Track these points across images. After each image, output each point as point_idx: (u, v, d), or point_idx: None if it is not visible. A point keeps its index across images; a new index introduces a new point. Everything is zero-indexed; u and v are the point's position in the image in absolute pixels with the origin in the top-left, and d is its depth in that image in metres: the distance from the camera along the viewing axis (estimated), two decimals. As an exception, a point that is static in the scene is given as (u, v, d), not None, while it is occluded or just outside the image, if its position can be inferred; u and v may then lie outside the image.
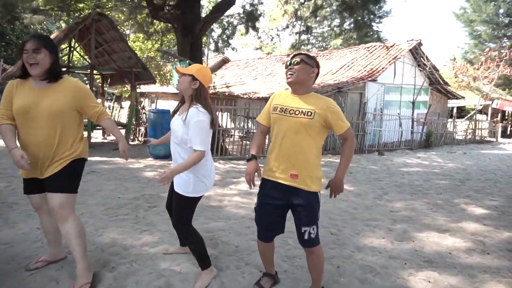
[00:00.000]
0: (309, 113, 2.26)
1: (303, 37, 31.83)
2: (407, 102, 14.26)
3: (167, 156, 8.32)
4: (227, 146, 9.26)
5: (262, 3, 10.50)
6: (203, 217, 4.30)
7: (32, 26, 15.15)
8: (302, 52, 2.48)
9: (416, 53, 14.28)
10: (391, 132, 13.13)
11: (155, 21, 11.06)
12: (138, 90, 18.34)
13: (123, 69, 10.00)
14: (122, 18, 10.85)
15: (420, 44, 14.03)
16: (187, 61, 8.14)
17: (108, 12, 10.03)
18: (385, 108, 13.31)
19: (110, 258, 3.15)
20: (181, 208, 2.61)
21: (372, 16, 9.89)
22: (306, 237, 2.31)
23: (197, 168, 2.48)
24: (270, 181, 2.37)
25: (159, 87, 16.25)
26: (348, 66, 14.71)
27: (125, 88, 16.31)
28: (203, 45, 8.51)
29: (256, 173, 2.38)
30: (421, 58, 14.29)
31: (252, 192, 5.48)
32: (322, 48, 31.67)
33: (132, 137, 10.92)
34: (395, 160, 10.02)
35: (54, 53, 2.41)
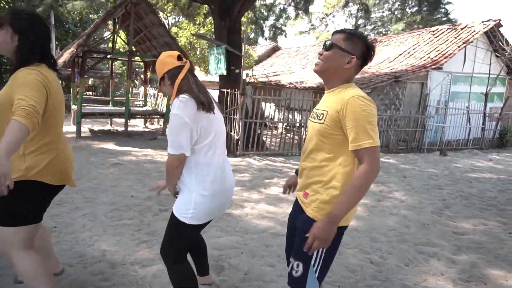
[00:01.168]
0: (321, 116, 1.67)
1: (360, 21, 29.83)
2: (478, 94, 12.38)
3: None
4: (266, 140, 8.51)
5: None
6: (215, 228, 3.63)
7: (74, 13, 15.43)
8: (346, 30, 1.74)
9: (493, 36, 12.27)
10: (456, 128, 11.47)
11: (196, 4, 10.56)
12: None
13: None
14: (162, 1, 10.45)
15: (498, 25, 12.01)
16: (224, 46, 7.47)
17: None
18: (450, 100, 11.63)
19: (89, 280, 2.60)
20: (172, 235, 1.98)
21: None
22: (288, 270, 1.77)
23: (191, 182, 1.86)
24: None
25: (204, 76, 15.87)
26: (408, 53, 13.11)
27: None
28: (242, 29, 7.72)
29: (289, 188, 2.14)
30: (499, 42, 12.27)
31: (283, 199, 4.71)
32: (381, 34, 29.43)
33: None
34: (461, 163, 8.59)
35: (23, 35, 1.82)
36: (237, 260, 3.00)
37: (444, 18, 24.78)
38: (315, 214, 1.64)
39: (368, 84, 10.18)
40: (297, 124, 8.50)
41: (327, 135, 1.60)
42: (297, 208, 1.82)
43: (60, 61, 8.20)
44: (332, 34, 1.68)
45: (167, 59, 1.90)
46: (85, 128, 10.26)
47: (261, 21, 31.25)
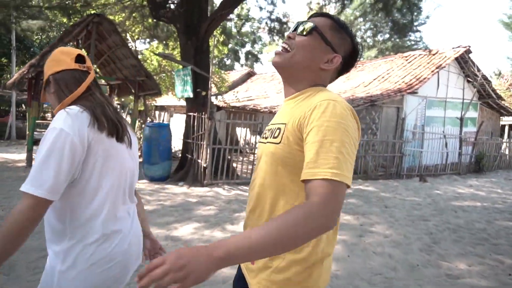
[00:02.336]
0: (277, 132, 1.07)
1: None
2: (453, 118, 12.33)
3: (164, 179, 7.08)
4: (237, 167, 7.89)
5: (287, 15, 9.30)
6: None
7: (39, 35, 14.74)
8: (332, 15, 1.15)
9: (464, 62, 12.40)
10: (434, 153, 11.25)
11: (164, 25, 10.10)
12: (159, 103, 17.59)
13: (126, 78, 9.00)
14: (127, 23, 9.93)
15: (468, 51, 12.15)
16: (190, 67, 6.95)
17: (113, 16, 9.15)
18: (426, 125, 11.48)
19: None
20: None
21: (414, 12, 8.32)
22: None
23: (61, 250, 1.18)
24: None
25: (177, 101, 15.29)
26: (382, 77, 13.05)
27: (152, 102, 15.33)
28: (210, 49, 7.25)
29: None
30: (470, 68, 12.39)
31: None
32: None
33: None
34: (442, 189, 8.21)
35: None
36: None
37: (415, 46, 25.54)
38: None
39: (344, 108, 9.85)
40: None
41: (287, 162, 1.01)
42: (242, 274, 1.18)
43: (9, 82, 7.43)
44: (312, 16, 1.15)
45: (61, 57, 1.30)
46: (40, 156, 9.34)
47: (238, 47, 31.41)
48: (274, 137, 1.05)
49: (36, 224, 1.06)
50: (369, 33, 30.36)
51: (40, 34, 17.68)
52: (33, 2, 8.93)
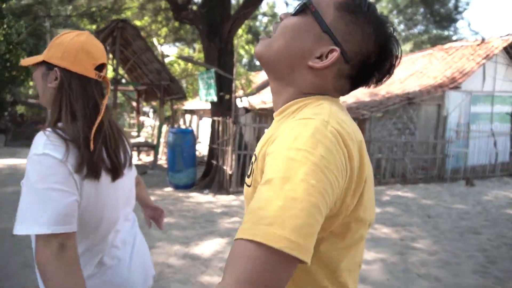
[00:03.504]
0: (249, 171, 0.74)
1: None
2: (502, 114, 11.27)
3: (189, 186, 6.86)
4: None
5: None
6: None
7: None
8: None
9: (513, 51, 11.32)
10: (481, 153, 10.31)
11: (188, 27, 9.93)
12: (188, 107, 17.58)
13: (152, 83, 8.91)
14: (153, 27, 9.86)
15: (518, 40, 11.07)
16: (213, 70, 6.67)
17: (138, 21, 9.11)
18: (471, 122, 10.55)
19: None
20: None
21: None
22: None
23: None
24: None
25: (204, 104, 15.19)
26: (421, 73, 12.20)
27: (181, 106, 15.23)
28: (234, 50, 6.95)
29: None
30: (521, 58, 11.29)
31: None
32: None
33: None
34: (493, 194, 7.41)
35: None
36: None
37: (454, 36, 24.01)
38: None
39: (379, 107, 9.24)
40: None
41: None
42: None
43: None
44: None
45: (81, 56, 1.02)
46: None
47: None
48: (248, 177, 0.73)
49: (63, 258, 0.89)
50: (402, 26, 29.03)
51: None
52: (62, 12, 9.04)
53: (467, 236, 4.53)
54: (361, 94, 11.61)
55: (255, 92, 13.85)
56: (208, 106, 15.38)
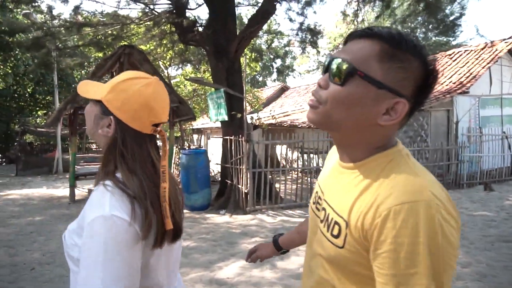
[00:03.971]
0: (336, 229, 0.74)
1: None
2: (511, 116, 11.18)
3: (205, 207, 6.78)
4: (280, 187, 7.43)
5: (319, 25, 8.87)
6: None
7: (71, 70, 15.35)
8: (380, 31, 0.68)
9: (518, 53, 11.28)
10: (496, 156, 10.15)
11: (195, 49, 10.02)
12: (195, 126, 17.62)
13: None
14: (158, 50, 9.96)
15: (522, 42, 11.04)
16: (223, 89, 6.68)
17: (143, 46, 9.21)
18: (482, 126, 10.43)
19: None
20: None
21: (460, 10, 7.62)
22: None
23: None
24: None
25: (213, 122, 15.20)
26: (427, 79, 12.15)
27: (188, 126, 15.18)
28: (242, 68, 6.98)
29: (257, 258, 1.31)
30: (527, 60, 11.24)
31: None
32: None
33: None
34: (514, 198, 7.24)
35: None
36: None
37: (454, 42, 24.09)
38: None
39: (388, 117, 9.17)
40: (314, 169, 7.40)
41: (346, 267, 0.73)
42: None
43: (48, 120, 7.56)
44: (349, 38, 0.75)
45: (141, 112, 0.89)
46: (85, 189, 9.44)
47: (268, 63, 31.36)
48: (334, 236, 0.74)
49: None
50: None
51: (80, 70, 18.54)
52: (69, 42, 9.18)
53: (499, 245, 4.38)
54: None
55: (262, 109, 13.85)
56: (215, 124, 15.40)
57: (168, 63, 11.10)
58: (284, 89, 22.11)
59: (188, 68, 14.65)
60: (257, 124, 9.68)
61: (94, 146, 21.18)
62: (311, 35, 8.42)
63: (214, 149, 13.13)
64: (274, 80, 33.63)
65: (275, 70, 32.49)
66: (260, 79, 34.70)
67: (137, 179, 0.86)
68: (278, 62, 31.78)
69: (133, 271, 0.79)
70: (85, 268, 0.77)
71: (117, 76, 0.93)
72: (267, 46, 12.66)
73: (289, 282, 3.48)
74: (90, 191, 9.23)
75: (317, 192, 0.90)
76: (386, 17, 10.26)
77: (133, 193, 0.83)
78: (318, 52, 12.00)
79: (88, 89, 0.94)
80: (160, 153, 0.94)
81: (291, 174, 8.58)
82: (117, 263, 0.76)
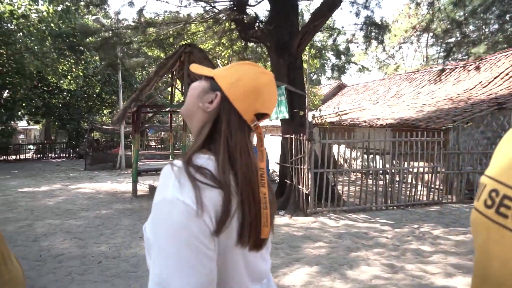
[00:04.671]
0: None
1: (431, 50, 27.61)
2: None
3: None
4: (343, 188, 7.04)
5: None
6: None
7: (133, 71, 16.00)
8: None
9: None
10: None
11: (254, 47, 9.92)
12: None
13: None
14: (217, 49, 10.00)
15: None
16: (284, 86, 6.45)
17: (202, 45, 9.29)
18: None
19: None
20: None
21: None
22: None
23: None
24: None
25: (268, 120, 15.07)
26: (507, 74, 10.96)
27: None
28: (304, 65, 6.70)
29: None
30: None
31: (378, 289, 3.21)
32: (457, 60, 26.81)
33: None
34: None
35: None
36: None
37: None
38: None
39: (463, 115, 8.34)
40: (381, 171, 6.89)
41: None
42: None
43: (114, 118, 7.89)
44: None
45: (252, 95, 0.83)
46: (146, 184, 9.78)
47: (325, 61, 30.64)
48: (501, 213, 0.55)
49: None
50: (471, 27, 26.85)
51: (141, 71, 19.43)
52: (133, 44, 9.55)
53: None
54: (442, 101, 10.69)
55: (320, 106, 13.43)
56: (271, 123, 15.27)
57: (226, 61, 11.15)
58: (340, 87, 21.41)
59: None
60: (317, 122, 9.34)
61: (153, 144, 22.15)
62: (376, 30, 7.89)
63: (269, 148, 12.95)
64: (329, 78, 32.80)
65: (330, 67, 31.71)
66: (314, 77, 34.02)
67: (234, 167, 0.79)
68: (333, 59, 30.94)
69: (199, 264, 0.70)
70: (153, 256, 0.73)
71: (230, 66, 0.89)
72: (331, 41, 12.24)
73: (362, 295, 3.16)
74: (150, 186, 9.56)
75: (494, 191, 0.61)
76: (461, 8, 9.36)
77: (222, 181, 0.75)
78: (384, 48, 11.34)
79: (202, 68, 0.91)
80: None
81: (350, 176, 8.13)
82: (179, 252, 0.69)
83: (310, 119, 6.41)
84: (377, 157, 7.12)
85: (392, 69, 28.58)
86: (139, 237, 5.02)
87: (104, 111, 23.70)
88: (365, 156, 6.89)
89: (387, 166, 6.80)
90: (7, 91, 17.33)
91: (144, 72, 19.80)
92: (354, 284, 3.39)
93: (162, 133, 23.33)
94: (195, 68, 0.91)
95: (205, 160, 0.78)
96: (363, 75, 59.50)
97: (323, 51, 12.47)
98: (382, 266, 3.84)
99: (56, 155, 20.08)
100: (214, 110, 0.83)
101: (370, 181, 7.09)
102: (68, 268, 3.92)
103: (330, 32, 12.36)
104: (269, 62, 9.33)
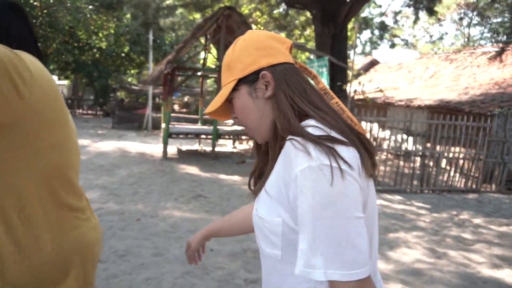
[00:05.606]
0: None
1: (473, 31, 26.06)
2: None
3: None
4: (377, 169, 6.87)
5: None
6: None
7: (162, 32, 15.71)
8: None
9: None
10: None
11: (292, 15, 9.53)
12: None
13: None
14: (254, 15, 9.64)
15: None
16: (327, 57, 6.18)
17: (239, 9, 8.96)
18: None
19: None
20: None
21: None
22: None
23: None
24: None
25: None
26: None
27: None
28: (348, 39, 6.37)
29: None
30: None
31: (424, 274, 3.13)
32: (502, 43, 25.30)
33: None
34: None
35: None
36: None
37: None
38: None
39: (511, 101, 7.88)
40: (420, 153, 6.65)
41: None
42: None
43: (148, 78, 7.83)
44: None
45: (272, 43, 0.81)
46: (174, 147, 9.85)
47: (358, 35, 29.52)
48: None
49: None
50: (506, 14, 25.07)
51: (171, 33, 19.14)
52: (169, 2, 9.31)
53: None
54: (486, 85, 10.14)
55: (354, 80, 12.95)
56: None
57: (262, 28, 10.79)
58: (373, 63, 20.66)
59: (282, 35, 14.24)
60: (358, 97, 9.03)
61: (176, 107, 22.21)
62: (427, 1, 7.39)
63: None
64: (360, 54, 31.68)
65: (363, 42, 30.56)
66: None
67: (329, 115, 0.74)
68: (366, 34, 29.67)
69: (358, 235, 0.64)
70: (308, 230, 0.65)
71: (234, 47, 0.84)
72: (381, 12, 11.65)
73: (406, 278, 3.09)
74: (179, 150, 9.62)
75: None
76: None
77: (340, 132, 0.70)
78: (438, 19, 10.69)
79: (224, 86, 0.84)
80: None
81: (381, 156, 7.90)
82: (338, 224, 0.63)
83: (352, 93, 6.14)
84: (410, 138, 6.85)
85: (429, 48, 27.29)
86: (173, 199, 5.06)
87: (132, 71, 23.76)
88: (404, 136, 6.64)
89: (428, 148, 6.56)
90: (39, 44, 17.51)
91: (173, 34, 19.52)
92: (396, 266, 3.32)
93: (187, 97, 23.33)
94: (223, 94, 0.82)
95: (313, 129, 0.70)
96: (394, 52, 57.09)
97: (373, 23, 11.87)
98: (423, 250, 3.74)
99: (84, 112, 20.47)
100: (274, 86, 0.77)
101: (401, 163, 6.87)
102: (108, 222, 3.99)
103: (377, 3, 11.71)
104: (307, 31, 8.93)
